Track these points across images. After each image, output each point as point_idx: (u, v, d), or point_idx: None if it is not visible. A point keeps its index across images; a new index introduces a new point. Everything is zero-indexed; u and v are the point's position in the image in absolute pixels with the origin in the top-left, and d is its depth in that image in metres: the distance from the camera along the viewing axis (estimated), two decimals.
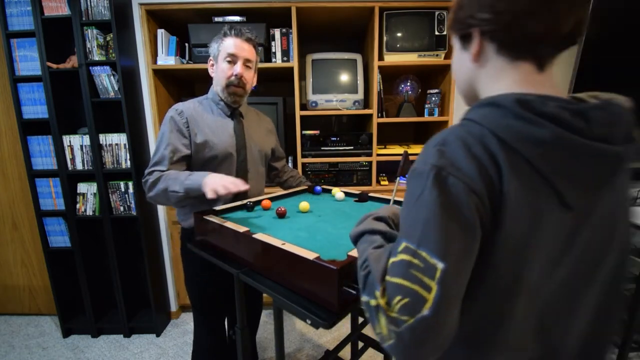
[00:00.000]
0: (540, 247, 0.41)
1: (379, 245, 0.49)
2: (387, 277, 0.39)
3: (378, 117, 1.94)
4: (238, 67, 1.08)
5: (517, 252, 0.40)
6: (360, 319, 1.37)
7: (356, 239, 0.56)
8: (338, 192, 1.22)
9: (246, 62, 1.10)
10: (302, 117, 1.93)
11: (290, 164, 1.99)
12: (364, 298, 0.42)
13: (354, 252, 0.66)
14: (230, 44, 1.07)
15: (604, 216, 0.44)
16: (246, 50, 1.10)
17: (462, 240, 0.38)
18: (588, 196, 0.42)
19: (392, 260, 0.40)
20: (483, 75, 0.49)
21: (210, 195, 0.92)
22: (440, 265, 0.36)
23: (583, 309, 0.47)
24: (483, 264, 0.41)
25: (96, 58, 1.68)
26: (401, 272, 0.38)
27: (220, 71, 1.10)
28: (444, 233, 0.37)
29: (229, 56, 1.07)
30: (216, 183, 0.94)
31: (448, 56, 1.92)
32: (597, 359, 0.49)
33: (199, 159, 1.10)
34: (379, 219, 0.58)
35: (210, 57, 1.13)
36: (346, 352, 1.42)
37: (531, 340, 0.45)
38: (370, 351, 1.39)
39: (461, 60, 0.51)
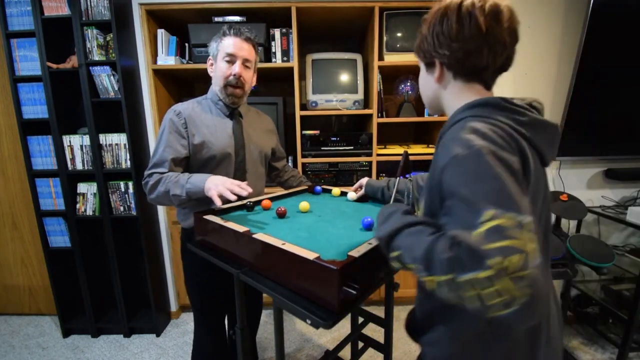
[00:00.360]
0: (541, 196, 0.57)
1: (433, 231, 0.51)
2: (489, 246, 0.41)
3: (378, 117, 1.95)
4: (236, 67, 1.08)
5: (535, 202, 0.54)
6: (360, 319, 1.37)
7: (393, 236, 0.55)
8: (350, 193, 1.21)
9: (245, 61, 1.10)
10: (302, 117, 1.93)
11: (290, 164, 1.99)
12: (466, 277, 0.42)
13: (354, 252, 0.66)
14: (229, 43, 1.07)
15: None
16: (245, 50, 1.09)
17: (525, 195, 0.48)
18: (552, 155, 0.59)
19: (478, 231, 0.42)
20: (446, 94, 0.63)
21: (218, 203, 0.92)
22: (527, 219, 0.42)
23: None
24: None
25: (96, 58, 1.68)
26: (501, 236, 0.41)
27: (218, 71, 1.09)
28: (517, 194, 0.45)
29: (227, 56, 1.07)
30: (221, 188, 0.92)
31: None
32: None
33: (197, 160, 1.10)
34: (407, 212, 0.60)
35: (210, 57, 1.13)
36: (346, 352, 1.42)
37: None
38: (370, 351, 1.38)
39: (426, 80, 0.66)
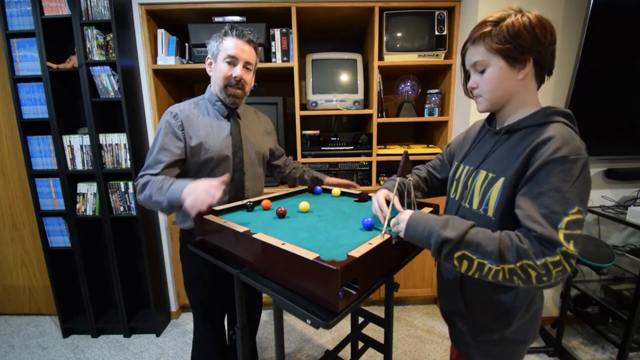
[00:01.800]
0: None
1: (492, 230, 0.66)
2: (567, 231, 0.59)
3: (378, 117, 1.95)
4: (238, 70, 1.08)
5: None
6: (360, 319, 1.37)
7: (463, 236, 0.65)
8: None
9: (246, 64, 1.10)
10: (302, 117, 1.93)
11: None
12: (540, 261, 0.59)
13: (354, 252, 0.66)
14: (231, 45, 1.06)
15: None
16: (247, 52, 1.09)
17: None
18: None
19: (567, 219, 0.59)
20: (522, 89, 0.71)
21: (193, 214, 0.90)
22: (584, 216, 0.61)
23: None
24: None
25: (96, 58, 1.68)
26: (579, 226, 0.60)
27: (218, 71, 1.09)
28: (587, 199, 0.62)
29: (228, 57, 1.06)
30: (196, 199, 0.88)
31: (448, 56, 1.92)
32: None
33: (195, 162, 1.09)
34: (448, 220, 0.70)
35: (209, 56, 1.12)
36: (346, 352, 1.42)
37: None
38: (370, 351, 1.38)
39: (507, 77, 0.70)
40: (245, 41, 1.08)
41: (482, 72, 0.72)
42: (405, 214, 0.74)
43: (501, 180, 0.69)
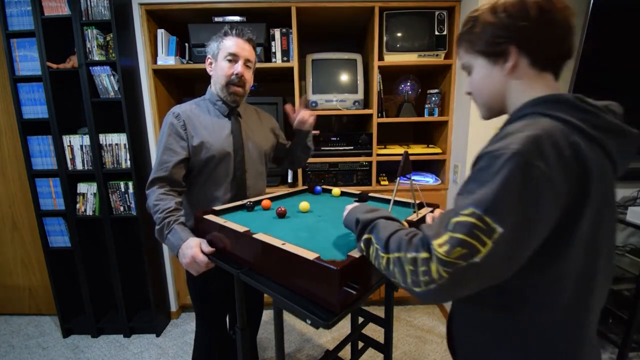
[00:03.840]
0: (610, 207, 0.53)
1: (399, 227, 0.59)
2: (450, 233, 0.46)
3: (378, 117, 1.95)
4: (239, 66, 1.09)
5: (599, 223, 0.51)
6: (360, 319, 1.37)
7: (372, 220, 0.62)
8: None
9: (246, 62, 1.12)
10: None
11: None
12: (410, 254, 0.50)
13: (355, 253, 0.66)
14: (231, 43, 1.09)
15: None
16: (247, 50, 1.11)
17: (526, 218, 0.45)
18: (623, 166, 0.55)
19: (455, 219, 0.47)
20: (514, 87, 0.59)
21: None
22: (499, 230, 0.44)
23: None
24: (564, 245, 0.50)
25: (96, 58, 1.68)
26: (465, 230, 0.45)
27: (219, 69, 1.11)
28: (512, 210, 0.45)
29: (229, 55, 1.08)
30: (187, 266, 0.96)
31: (448, 56, 1.92)
32: None
33: (197, 161, 1.10)
34: (373, 210, 0.67)
35: (209, 56, 1.14)
36: (346, 352, 1.42)
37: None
38: (370, 351, 1.38)
39: (490, 75, 0.61)
40: (245, 40, 1.11)
41: (470, 74, 0.65)
42: (351, 205, 0.74)
43: None
